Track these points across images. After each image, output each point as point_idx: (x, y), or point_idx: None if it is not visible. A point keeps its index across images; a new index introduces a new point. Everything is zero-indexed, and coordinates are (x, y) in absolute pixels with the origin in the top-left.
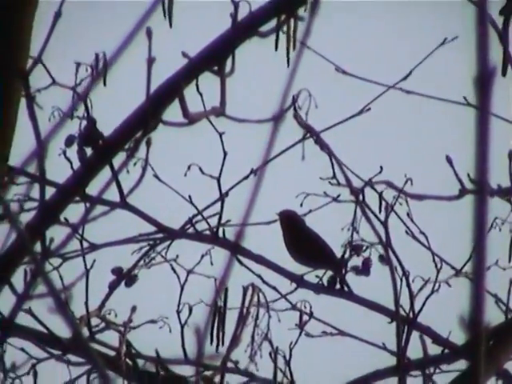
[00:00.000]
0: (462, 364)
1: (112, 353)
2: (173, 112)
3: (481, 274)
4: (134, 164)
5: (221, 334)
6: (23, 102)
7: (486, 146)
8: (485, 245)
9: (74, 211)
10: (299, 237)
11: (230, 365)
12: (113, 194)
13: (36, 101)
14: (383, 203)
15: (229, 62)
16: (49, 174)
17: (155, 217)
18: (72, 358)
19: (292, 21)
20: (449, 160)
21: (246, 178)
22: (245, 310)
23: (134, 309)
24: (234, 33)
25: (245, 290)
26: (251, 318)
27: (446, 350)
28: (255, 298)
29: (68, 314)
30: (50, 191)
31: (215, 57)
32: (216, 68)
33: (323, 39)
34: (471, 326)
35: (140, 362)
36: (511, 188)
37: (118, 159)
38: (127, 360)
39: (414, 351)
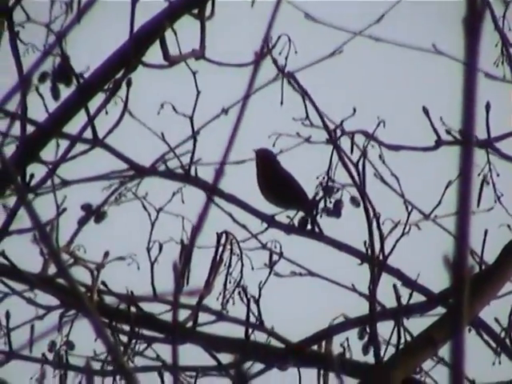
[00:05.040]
0: (435, 311)
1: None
2: (153, 54)
3: (465, 221)
4: (116, 103)
5: (186, 273)
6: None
7: (473, 94)
8: (470, 192)
9: (49, 149)
10: (273, 176)
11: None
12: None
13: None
14: (356, 146)
15: (209, 5)
16: None
17: (129, 156)
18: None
19: None
20: (425, 111)
21: (218, 116)
22: (218, 258)
23: (106, 254)
24: None
25: (218, 236)
26: (224, 265)
27: (417, 294)
28: (228, 246)
29: (52, 244)
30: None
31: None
32: (196, 11)
33: None
34: (455, 270)
35: (109, 299)
36: (487, 139)
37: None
38: (97, 297)
39: (385, 297)
